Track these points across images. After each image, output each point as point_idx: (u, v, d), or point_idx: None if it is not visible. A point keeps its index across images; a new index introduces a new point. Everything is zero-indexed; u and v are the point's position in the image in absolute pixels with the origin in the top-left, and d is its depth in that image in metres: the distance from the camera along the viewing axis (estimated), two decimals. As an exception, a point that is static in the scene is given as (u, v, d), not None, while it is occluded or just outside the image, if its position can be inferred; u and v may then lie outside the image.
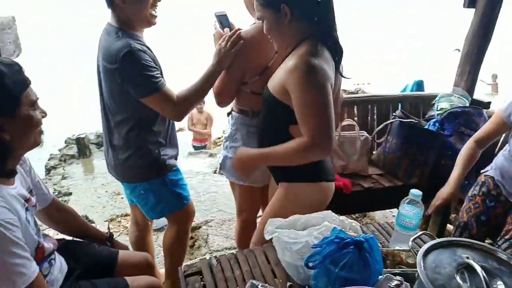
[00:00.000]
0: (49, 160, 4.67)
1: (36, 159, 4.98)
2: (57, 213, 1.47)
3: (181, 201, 1.87)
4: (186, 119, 5.64)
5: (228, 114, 1.83)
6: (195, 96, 1.58)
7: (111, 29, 1.53)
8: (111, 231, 1.67)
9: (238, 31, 1.57)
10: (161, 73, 1.57)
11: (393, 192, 2.26)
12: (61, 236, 1.58)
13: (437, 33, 14.55)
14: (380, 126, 2.40)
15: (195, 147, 5.83)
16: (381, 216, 3.40)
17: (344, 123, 2.33)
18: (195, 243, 3.05)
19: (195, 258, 2.93)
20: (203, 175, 4.36)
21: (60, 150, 4.79)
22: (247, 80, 1.63)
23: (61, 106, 6.34)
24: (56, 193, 3.96)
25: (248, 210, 2.00)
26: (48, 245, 1.21)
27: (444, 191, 1.78)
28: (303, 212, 1.44)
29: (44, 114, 1.12)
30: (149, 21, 1.58)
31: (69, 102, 7.73)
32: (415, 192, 1.28)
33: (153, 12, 1.57)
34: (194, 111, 5.63)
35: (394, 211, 3.41)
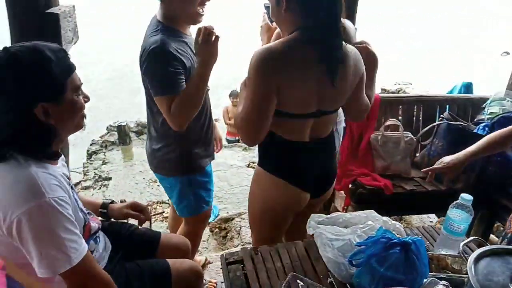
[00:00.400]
0: (91, 145, 4.87)
1: (79, 143, 5.23)
2: None
3: (201, 206, 1.82)
4: (222, 112, 5.71)
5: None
6: (189, 102, 1.51)
7: (154, 21, 1.53)
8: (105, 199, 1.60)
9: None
10: (187, 76, 1.51)
11: (435, 196, 2.19)
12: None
13: (437, 33, 13.97)
14: (427, 128, 2.32)
15: (229, 141, 5.88)
16: (418, 220, 3.30)
17: (388, 122, 2.28)
18: (228, 234, 3.09)
19: (227, 249, 2.98)
20: (237, 168, 4.40)
21: (101, 137, 4.98)
22: None
23: (108, 93, 6.56)
24: (97, 177, 4.13)
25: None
26: (94, 224, 1.26)
27: (449, 158, 1.65)
28: (268, 207, 1.46)
29: (87, 99, 1.13)
30: (194, 20, 1.54)
31: (118, 89, 7.93)
32: (466, 197, 1.23)
33: (200, 11, 1.53)
34: (230, 105, 5.66)
35: (432, 216, 3.30)
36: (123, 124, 4.90)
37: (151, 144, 1.72)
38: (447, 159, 1.65)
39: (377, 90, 6.73)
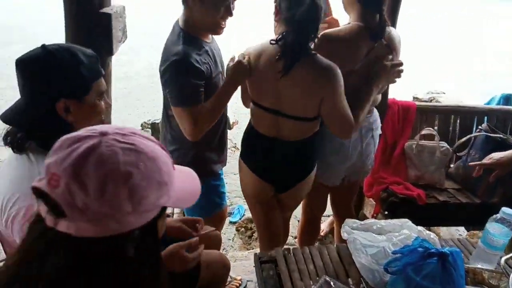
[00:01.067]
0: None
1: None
2: None
3: (212, 209, 1.81)
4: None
5: None
6: (210, 115, 1.54)
7: (177, 29, 1.53)
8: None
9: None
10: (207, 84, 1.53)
11: (469, 209, 2.15)
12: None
13: (437, 33, 13.54)
14: (464, 139, 2.27)
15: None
16: (447, 233, 3.23)
17: (424, 131, 2.25)
18: (253, 234, 3.12)
19: (252, 249, 3.01)
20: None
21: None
22: None
23: (147, 90, 6.73)
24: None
25: (315, 209, 2.02)
26: None
27: (499, 154, 1.64)
28: (245, 194, 1.78)
29: (108, 106, 1.19)
30: (215, 31, 1.56)
31: (155, 87, 8.15)
32: (508, 211, 1.22)
33: (222, 24, 1.53)
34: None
35: (461, 229, 3.22)
36: (157, 121, 5.02)
37: (165, 146, 1.72)
38: (496, 155, 1.65)
39: (409, 98, 6.55)
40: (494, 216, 1.25)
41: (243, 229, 3.18)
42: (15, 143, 1.05)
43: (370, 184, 2.24)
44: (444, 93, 6.38)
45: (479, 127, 2.32)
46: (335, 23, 1.74)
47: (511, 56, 11.59)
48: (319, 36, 1.54)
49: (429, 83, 10.78)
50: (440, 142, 2.21)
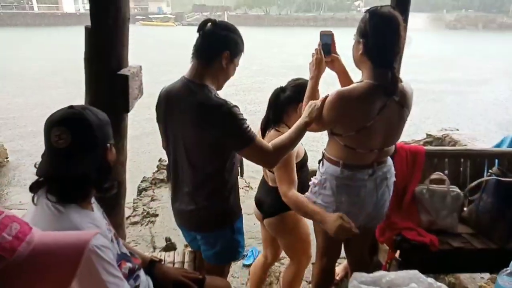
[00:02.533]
0: (141, 182, 5.13)
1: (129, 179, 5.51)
2: None
3: (239, 251, 1.89)
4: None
5: (319, 161, 1.87)
6: (289, 144, 1.65)
7: (199, 86, 1.62)
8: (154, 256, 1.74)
9: (325, 97, 1.67)
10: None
11: (486, 255, 2.10)
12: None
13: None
14: (474, 183, 2.27)
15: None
16: (467, 276, 3.12)
17: (433, 176, 2.25)
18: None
19: (267, 295, 2.96)
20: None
21: (153, 174, 5.23)
22: (342, 132, 1.70)
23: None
24: (145, 213, 4.32)
25: (328, 257, 2.01)
26: (128, 264, 1.33)
27: None
28: None
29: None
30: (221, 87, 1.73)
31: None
32: (516, 265, 1.21)
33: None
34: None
35: (484, 274, 3.11)
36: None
37: (191, 204, 1.75)
38: None
39: (422, 135, 6.49)
40: (504, 269, 1.24)
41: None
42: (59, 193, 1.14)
43: (383, 230, 2.23)
44: (458, 130, 6.36)
45: (490, 170, 2.31)
46: (336, 60, 1.83)
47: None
48: (333, 93, 1.64)
49: (441, 119, 10.84)
50: (451, 186, 2.21)
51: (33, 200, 1.15)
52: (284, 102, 1.93)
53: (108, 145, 1.23)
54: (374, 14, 1.61)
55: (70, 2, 53.18)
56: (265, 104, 2.04)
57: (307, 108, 1.69)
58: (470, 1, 58.10)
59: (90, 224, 1.15)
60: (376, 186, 1.78)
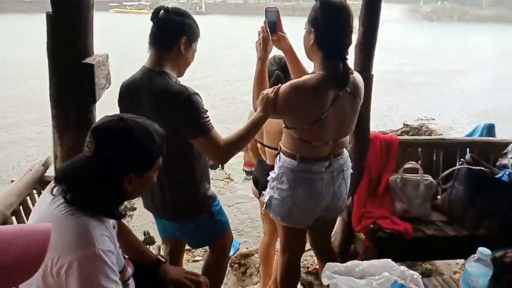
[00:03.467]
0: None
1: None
2: (119, 234, 1.55)
3: (225, 228, 1.91)
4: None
5: (276, 155, 1.84)
6: (242, 141, 1.65)
7: (159, 73, 1.61)
8: (161, 255, 1.73)
9: (278, 88, 1.63)
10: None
11: (458, 242, 2.14)
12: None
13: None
14: (447, 172, 2.30)
15: (246, 172, 5.90)
16: (443, 262, 3.19)
17: (407, 165, 2.28)
18: (247, 271, 3.08)
19: (246, 286, 2.96)
20: (258, 201, 4.41)
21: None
22: (296, 126, 1.67)
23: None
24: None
25: (291, 252, 1.97)
26: (129, 270, 1.30)
27: None
28: None
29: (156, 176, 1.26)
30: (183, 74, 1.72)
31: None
32: (484, 251, 1.22)
33: None
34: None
35: (459, 260, 3.19)
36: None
37: (169, 193, 1.73)
38: None
39: (399, 125, 6.62)
40: (472, 256, 1.25)
41: (236, 265, 3.13)
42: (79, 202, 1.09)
43: (358, 219, 2.25)
44: (434, 119, 6.50)
45: (461, 159, 2.35)
46: (282, 39, 1.79)
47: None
48: (286, 85, 1.62)
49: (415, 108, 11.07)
50: (424, 175, 2.24)
51: (52, 192, 1.12)
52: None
53: (130, 174, 1.12)
54: (324, 4, 1.59)
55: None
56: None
57: (259, 100, 1.65)
58: (447, -8, 59.27)
59: (103, 227, 1.11)
60: (333, 178, 1.76)
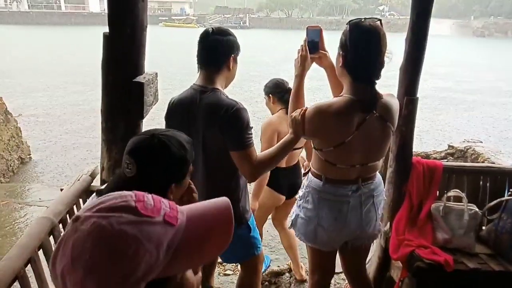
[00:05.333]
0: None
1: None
2: None
3: (258, 247, 1.94)
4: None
5: (305, 174, 1.88)
6: (273, 162, 1.70)
7: (212, 89, 1.72)
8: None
9: (305, 110, 1.65)
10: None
11: (504, 278, 2.01)
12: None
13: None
14: (494, 202, 2.18)
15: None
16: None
17: (451, 193, 2.19)
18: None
19: (277, 306, 2.93)
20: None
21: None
22: (321, 147, 1.68)
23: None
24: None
25: (319, 273, 1.95)
26: None
27: None
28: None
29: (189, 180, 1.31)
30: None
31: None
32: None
33: None
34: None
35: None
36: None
37: None
38: None
39: (444, 147, 6.33)
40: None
41: (267, 283, 3.10)
42: None
43: (396, 246, 2.18)
44: (481, 142, 6.17)
45: (511, 189, 2.22)
46: (323, 56, 1.80)
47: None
48: (312, 107, 1.64)
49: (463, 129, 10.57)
50: (469, 204, 2.14)
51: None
52: None
53: (172, 185, 1.18)
54: (354, 27, 1.57)
55: (96, 2, 54.46)
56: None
57: (290, 122, 1.69)
58: (500, 8, 56.51)
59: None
60: (360, 203, 1.73)
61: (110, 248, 0.60)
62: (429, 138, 9.91)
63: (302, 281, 2.85)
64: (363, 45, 1.55)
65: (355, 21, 1.59)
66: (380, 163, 1.78)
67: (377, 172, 1.81)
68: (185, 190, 1.37)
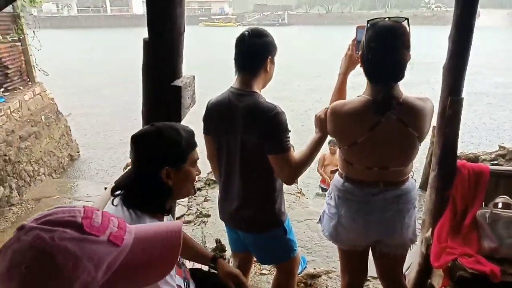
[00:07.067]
0: (196, 181, 5.31)
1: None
2: None
3: (294, 249, 1.93)
4: (317, 159, 5.74)
5: (333, 172, 1.90)
6: (308, 163, 1.72)
7: (249, 92, 1.74)
8: (217, 252, 1.82)
9: (325, 110, 1.72)
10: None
11: (557, 291, 1.87)
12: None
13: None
14: (547, 210, 2.03)
15: (322, 189, 5.84)
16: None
17: (498, 199, 2.06)
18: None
19: (313, 308, 2.91)
20: (330, 218, 4.31)
21: (207, 174, 5.39)
22: (340, 146, 1.73)
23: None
24: (198, 213, 4.47)
25: (349, 275, 1.96)
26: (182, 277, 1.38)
27: None
28: None
29: (198, 173, 1.39)
30: None
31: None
32: None
33: None
34: (327, 152, 5.68)
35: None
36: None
37: (246, 207, 1.82)
38: None
39: (495, 147, 6.02)
40: None
41: (303, 284, 3.09)
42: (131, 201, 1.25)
43: (438, 254, 2.09)
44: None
45: None
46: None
47: None
48: (331, 106, 1.69)
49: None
50: (519, 211, 2.00)
51: (112, 202, 1.28)
52: None
53: (166, 168, 1.25)
54: (370, 27, 1.56)
55: (139, 4, 56.42)
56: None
57: (315, 121, 1.76)
58: (560, -5, 52.19)
59: None
60: (382, 207, 1.70)
61: (48, 263, 0.60)
62: (481, 138, 9.39)
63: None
64: (377, 45, 1.53)
65: (374, 20, 1.57)
66: (407, 169, 1.73)
67: (410, 179, 1.76)
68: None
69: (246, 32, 1.73)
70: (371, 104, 1.58)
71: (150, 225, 0.79)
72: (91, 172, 7.74)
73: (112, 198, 1.28)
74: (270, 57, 1.74)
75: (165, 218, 1.36)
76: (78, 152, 8.36)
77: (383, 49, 1.53)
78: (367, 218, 1.72)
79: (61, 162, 7.53)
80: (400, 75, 1.57)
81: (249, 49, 1.70)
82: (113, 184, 1.33)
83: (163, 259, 0.70)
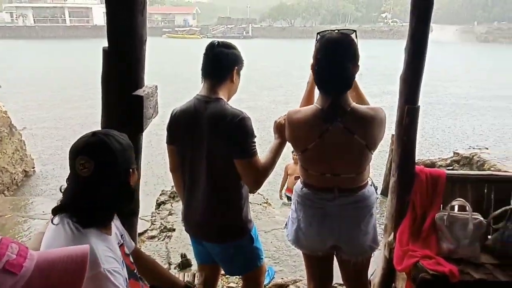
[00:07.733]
0: (160, 195, 5.18)
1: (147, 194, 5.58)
2: (136, 261, 1.53)
3: (260, 257, 1.94)
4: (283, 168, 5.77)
5: (296, 178, 1.95)
6: (272, 168, 1.76)
7: (215, 99, 1.76)
8: (189, 281, 1.79)
9: (284, 117, 1.80)
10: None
11: (511, 288, 1.98)
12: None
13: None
14: (498, 211, 2.15)
15: (288, 198, 5.88)
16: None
17: (454, 202, 2.16)
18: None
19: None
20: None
21: (172, 187, 5.27)
22: (295, 152, 1.84)
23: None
24: (162, 228, 4.34)
25: (316, 281, 1.98)
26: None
27: None
28: None
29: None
30: None
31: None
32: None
33: None
34: (291, 162, 5.74)
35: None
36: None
37: (215, 212, 1.80)
38: None
39: (450, 154, 6.28)
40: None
41: (271, 295, 3.08)
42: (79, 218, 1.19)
43: (400, 257, 2.14)
44: (487, 149, 6.11)
45: (516, 198, 2.19)
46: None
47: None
48: (286, 114, 1.78)
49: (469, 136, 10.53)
50: (473, 213, 2.10)
51: (52, 221, 1.20)
52: None
53: (131, 170, 1.28)
54: (319, 39, 1.65)
55: (100, 15, 55.18)
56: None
57: (274, 127, 1.82)
58: (503, 13, 56.45)
59: (106, 248, 1.17)
60: (337, 213, 1.74)
61: None
62: (435, 145, 9.86)
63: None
64: (322, 56, 1.62)
65: (323, 33, 1.65)
66: (361, 176, 1.76)
67: (367, 186, 1.79)
68: None
69: (216, 42, 1.77)
70: (320, 112, 1.65)
71: (54, 250, 0.77)
72: (48, 188, 7.36)
73: (51, 217, 1.22)
74: (236, 68, 1.78)
75: (113, 235, 1.30)
76: (33, 167, 7.93)
77: (327, 61, 1.61)
78: (322, 223, 1.76)
79: (14, 179, 7.11)
80: (344, 85, 1.63)
81: (217, 57, 1.73)
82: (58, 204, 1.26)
83: (65, 284, 0.69)
